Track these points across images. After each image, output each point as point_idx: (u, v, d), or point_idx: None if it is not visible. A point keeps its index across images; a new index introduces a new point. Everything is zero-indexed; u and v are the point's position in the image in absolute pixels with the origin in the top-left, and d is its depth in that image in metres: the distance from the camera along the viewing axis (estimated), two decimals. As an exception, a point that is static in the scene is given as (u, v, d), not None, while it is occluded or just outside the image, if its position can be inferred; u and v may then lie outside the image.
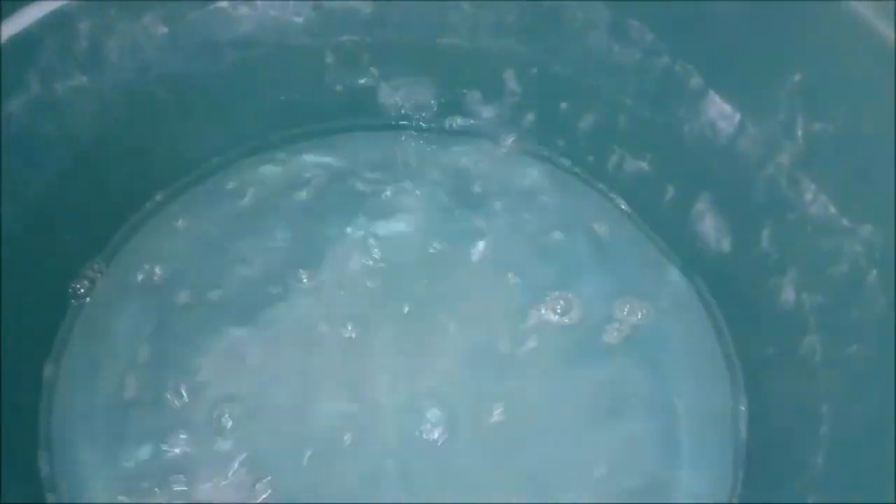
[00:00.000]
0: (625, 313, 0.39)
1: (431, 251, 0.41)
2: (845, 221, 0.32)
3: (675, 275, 0.41)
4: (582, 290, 0.40)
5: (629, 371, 0.38)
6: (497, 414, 0.36)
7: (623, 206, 0.43)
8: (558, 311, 0.39)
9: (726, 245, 0.39)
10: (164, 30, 0.37)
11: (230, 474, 0.34)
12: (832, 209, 0.33)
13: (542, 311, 0.39)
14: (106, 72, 0.36)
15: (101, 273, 0.39)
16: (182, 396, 0.36)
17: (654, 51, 0.38)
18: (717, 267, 0.39)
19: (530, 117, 0.44)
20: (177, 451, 0.35)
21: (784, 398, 0.35)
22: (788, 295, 0.35)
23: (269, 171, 0.43)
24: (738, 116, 0.36)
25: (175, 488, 0.34)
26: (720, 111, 0.37)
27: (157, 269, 0.39)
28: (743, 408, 0.37)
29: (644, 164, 0.42)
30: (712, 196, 0.39)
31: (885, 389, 0.29)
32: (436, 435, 0.35)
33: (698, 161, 0.39)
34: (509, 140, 0.45)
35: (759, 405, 0.36)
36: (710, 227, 0.39)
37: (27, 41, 0.32)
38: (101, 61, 0.35)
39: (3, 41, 0.31)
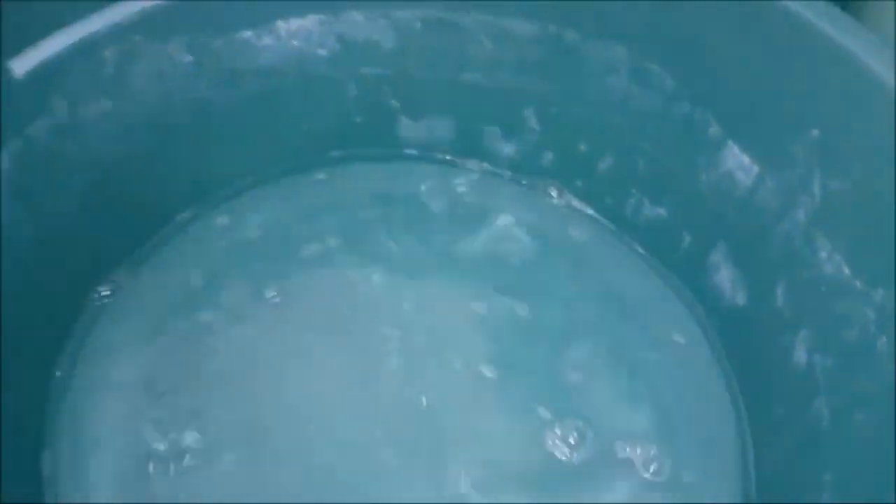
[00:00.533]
0: (631, 360, 0.38)
1: (440, 284, 0.41)
2: (858, 284, 0.31)
3: (688, 325, 0.40)
4: (589, 333, 0.39)
5: (632, 417, 0.37)
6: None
7: (639, 251, 0.43)
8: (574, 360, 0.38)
9: (741, 299, 0.38)
10: (189, 58, 0.38)
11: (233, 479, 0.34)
12: (846, 270, 0.32)
13: (548, 356, 0.38)
14: (130, 97, 0.37)
15: (119, 287, 0.39)
16: (196, 405, 0.36)
17: (674, 97, 0.38)
18: (731, 321, 0.38)
19: (549, 156, 0.44)
20: (187, 459, 0.35)
21: (789, 462, 0.34)
22: (800, 356, 0.34)
23: (288, 199, 0.43)
24: (756, 168, 0.36)
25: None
26: (739, 162, 0.36)
27: (175, 289, 0.40)
28: (751, 470, 0.36)
29: (662, 210, 0.41)
30: (729, 247, 0.38)
31: (888, 463, 0.28)
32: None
33: (715, 211, 0.38)
34: (527, 177, 0.45)
35: (764, 468, 0.35)
36: (725, 279, 0.38)
37: (54, 67, 0.33)
38: (126, 87, 0.37)
39: (31, 67, 0.32)
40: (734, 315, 0.38)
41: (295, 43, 0.40)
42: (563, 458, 0.35)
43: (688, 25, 0.36)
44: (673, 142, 0.39)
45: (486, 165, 0.45)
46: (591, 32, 0.38)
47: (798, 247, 0.34)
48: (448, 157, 0.45)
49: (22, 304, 0.34)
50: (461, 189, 0.45)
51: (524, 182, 0.45)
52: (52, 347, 0.37)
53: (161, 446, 0.35)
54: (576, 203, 0.44)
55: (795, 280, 0.34)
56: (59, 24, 0.33)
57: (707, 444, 0.37)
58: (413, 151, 0.45)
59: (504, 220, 0.44)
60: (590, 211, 0.44)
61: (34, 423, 0.35)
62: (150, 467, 0.34)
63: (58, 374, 0.36)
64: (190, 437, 0.35)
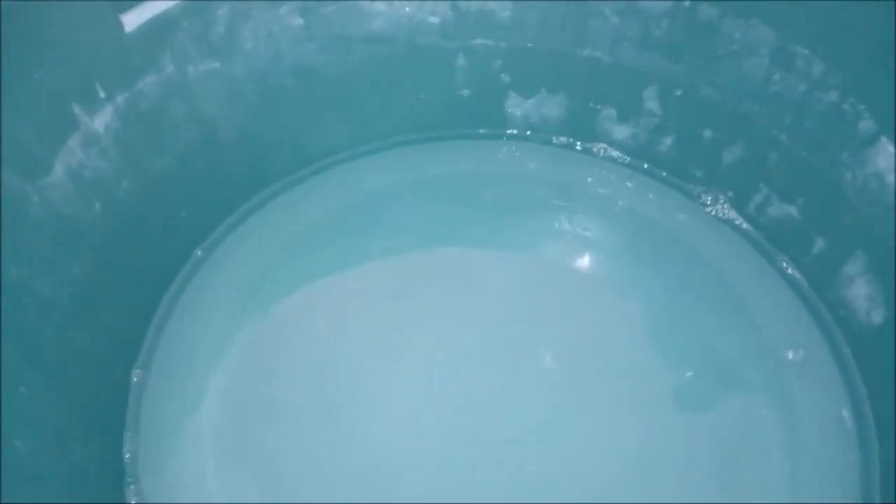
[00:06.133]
0: (750, 376, 0.35)
1: (537, 271, 0.39)
2: None
3: (814, 341, 0.36)
4: (706, 344, 0.36)
5: (750, 443, 0.33)
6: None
7: (761, 252, 0.39)
8: (677, 364, 0.35)
9: (877, 317, 0.33)
10: (300, 21, 0.37)
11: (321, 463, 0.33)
12: None
13: (660, 363, 0.35)
14: (238, 58, 0.36)
15: (215, 247, 0.39)
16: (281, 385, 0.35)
17: (821, 84, 0.34)
18: (864, 340, 0.34)
19: (668, 142, 0.40)
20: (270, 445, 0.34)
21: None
22: (946, 388, 0.30)
23: (388, 170, 0.42)
24: (912, 171, 0.31)
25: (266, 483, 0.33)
26: (891, 162, 0.32)
27: (267, 253, 0.39)
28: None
29: (793, 209, 0.37)
30: (868, 258, 0.34)
31: None
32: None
33: (858, 215, 0.34)
34: (640, 163, 0.41)
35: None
36: (860, 293, 0.34)
37: (166, 23, 0.33)
38: (234, 48, 0.36)
39: (142, 22, 0.32)
40: (868, 334, 0.34)
41: (407, 9, 0.38)
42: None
43: (848, 4, 0.32)
44: (815, 134, 0.35)
45: (595, 149, 0.42)
46: (733, 8, 0.34)
47: (956, 265, 0.30)
48: (555, 138, 0.42)
49: (122, 259, 0.34)
50: (565, 171, 0.42)
51: (636, 168, 0.41)
52: (150, 301, 0.37)
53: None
54: (693, 193, 0.40)
55: (949, 303, 0.30)
56: (173, -21, 0.33)
57: (827, 473, 0.33)
58: (519, 130, 0.43)
59: (611, 206, 0.41)
60: (708, 203, 0.40)
61: (120, 401, 0.34)
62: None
63: (153, 326, 0.36)
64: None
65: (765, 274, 0.38)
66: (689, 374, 0.35)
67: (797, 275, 0.37)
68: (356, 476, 0.33)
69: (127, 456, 0.32)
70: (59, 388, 0.29)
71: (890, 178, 0.32)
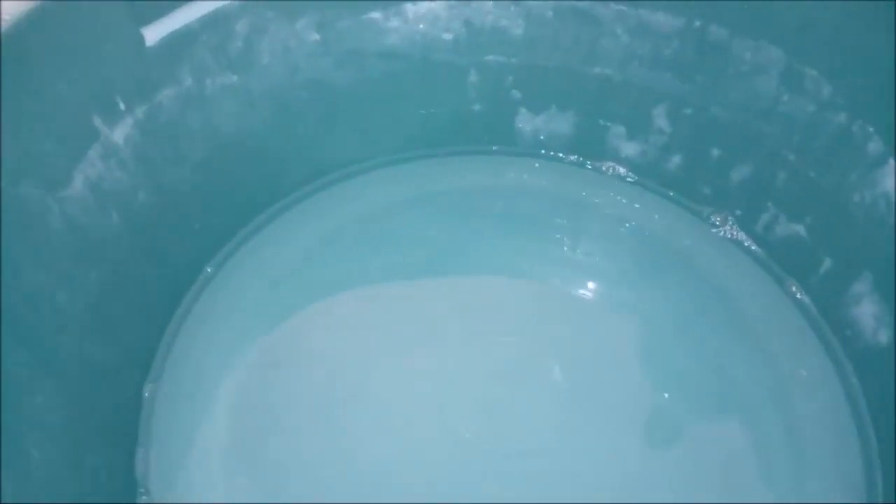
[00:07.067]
0: (755, 397, 0.35)
1: (544, 287, 0.39)
2: None
3: (819, 360, 0.36)
4: (711, 364, 0.36)
5: (754, 462, 0.34)
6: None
7: (768, 271, 0.39)
8: (683, 385, 0.36)
9: (883, 337, 0.34)
10: (316, 36, 0.38)
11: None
12: None
13: (666, 382, 0.35)
14: (255, 72, 0.37)
15: (229, 260, 0.40)
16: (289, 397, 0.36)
17: (830, 105, 0.34)
18: (870, 360, 0.34)
19: (676, 160, 0.41)
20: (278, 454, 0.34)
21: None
22: (954, 410, 0.30)
23: (397, 184, 0.42)
24: (921, 193, 0.32)
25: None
26: (899, 184, 0.32)
27: (278, 267, 0.40)
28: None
29: (800, 229, 0.37)
30: (875, 278, 0.34)
31: None
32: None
33: (865, 236, 0.34)
34: (649, 181, 0.42)
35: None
36: (867, 313, 0.34)
37: (186, 37, 0.34)
38: (252, 62, 0.37)
39: (163, 35, 0.33)
40: (874, 354, 0.34)
41: (421, 26, 0.39)
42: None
43: (856, 27, 0.32)
44: (823, 154, 0.35)
45: (605, 167, 0.42)
46: (743, 29, 0.35)
47: (964, 287, 0.30)
48: (564, 155, 0.43)
49: (136, 270, 0.34)
50: (574, 188, 0.42)
51: (645, 186, 0.42)
52: (162, 313, 0.37)
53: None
54: (703, 214, 0.41)
55: (956, 324, 0.30)
56: (193, -5, 0.33)
57: (831, 491, 0.33)
58: (529, 146, 0.43)
59: (619, 225, 0.41)
60: (717, 223, 0.40)
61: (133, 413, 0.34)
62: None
63: (166, 338, 0.37)
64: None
65: (772, 295, 0.38)
66: (694, 393, 0.35)
67: (804, 296, 0.38)
68: (365, 488, 0.33)
69: (139, 468, 0.32)
70: (74, 399, 0.30)
71: (898, 200, 0.33)
